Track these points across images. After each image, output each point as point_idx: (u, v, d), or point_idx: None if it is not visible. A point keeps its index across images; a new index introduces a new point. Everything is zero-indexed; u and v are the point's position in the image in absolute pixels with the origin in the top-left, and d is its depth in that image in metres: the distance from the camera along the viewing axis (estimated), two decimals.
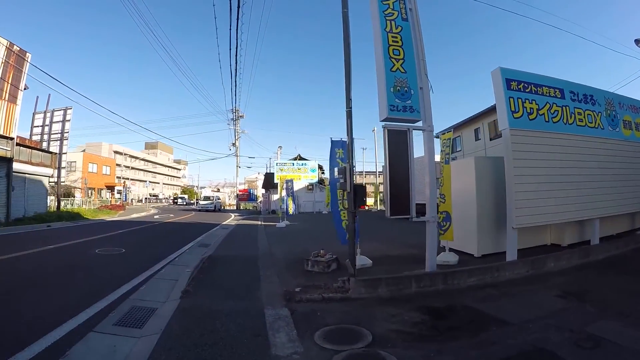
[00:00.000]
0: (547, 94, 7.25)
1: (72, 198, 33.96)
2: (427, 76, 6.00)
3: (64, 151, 23.00)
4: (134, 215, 25.00)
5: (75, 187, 36.30)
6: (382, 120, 5.42)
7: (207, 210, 33.26)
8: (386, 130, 5.22)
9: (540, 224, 6.88)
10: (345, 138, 6.12)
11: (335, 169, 5.15)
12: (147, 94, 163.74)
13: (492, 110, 23.57)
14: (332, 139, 6.47)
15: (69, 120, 22.99)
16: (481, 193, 7.18)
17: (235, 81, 39.25)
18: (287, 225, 16.13)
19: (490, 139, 24.44)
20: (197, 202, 38.26)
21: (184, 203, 57.95)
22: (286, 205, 16.86)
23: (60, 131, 23.04)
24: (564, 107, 7.39)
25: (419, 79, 5.82)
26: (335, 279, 5.34)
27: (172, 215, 26.00)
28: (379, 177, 53.77)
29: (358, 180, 72.35)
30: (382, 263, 6.50)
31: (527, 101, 6.88)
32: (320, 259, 5.98)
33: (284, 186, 17.15)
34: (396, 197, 5.11)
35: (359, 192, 4.97)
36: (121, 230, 13.70)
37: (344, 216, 6.27)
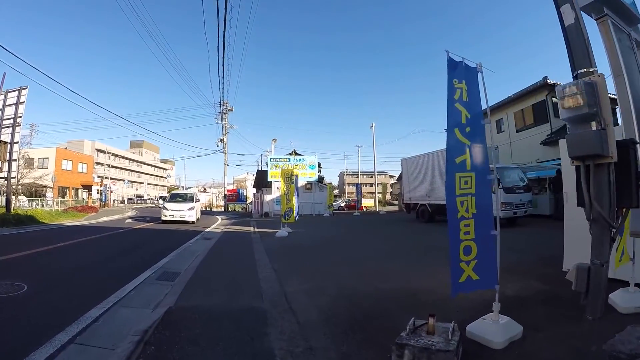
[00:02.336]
0: None
1: (43, 198, 30.05)
2: None
3: (16, 140, 18.94)
4: (104, 219, 21.16)
5: (47, 186, 32.24)
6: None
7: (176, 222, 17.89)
8: (609, 23, 1.93)
9: None
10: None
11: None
12: (133, 87, 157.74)
13: (517, 98, 20.67)
14: (450, 56, 2.68)
15: (23, 102, 18.97)
16: None
17: (223, 68, 35.58)
18: (290, 233, 12.24)
19: (517, 131, 21.49)
20: (163, 207, 19.42)
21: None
22: (296, 208, 13.25)
23: (12, 115, 19.06)
24: None
25: None
26: None
27: (148, 218, 22.22)
28: (378, 176, 50.80)
29: (351, 180, 65.81)
30: (523, 320, 3.20)
31: None
32: (432, 342, 2.33)
33: (293, 180, 13.38)
34: None
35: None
36: (65, 242, 9.95)
37: (467, 233, 2.72)
